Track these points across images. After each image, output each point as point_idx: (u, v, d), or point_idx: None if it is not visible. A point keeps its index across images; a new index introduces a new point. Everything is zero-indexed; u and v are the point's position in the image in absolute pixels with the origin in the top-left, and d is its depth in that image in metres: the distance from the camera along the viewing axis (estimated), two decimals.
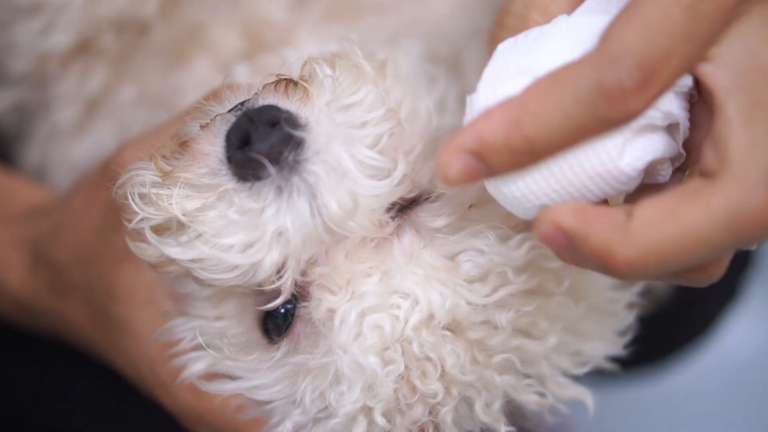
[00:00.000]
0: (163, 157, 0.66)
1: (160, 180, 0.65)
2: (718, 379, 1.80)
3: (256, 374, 0.70)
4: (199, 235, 0.64)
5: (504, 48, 0.61)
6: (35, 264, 0.85)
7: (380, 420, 0.65)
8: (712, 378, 1.77)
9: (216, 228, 0.64)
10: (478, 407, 0.67)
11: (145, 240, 0.66)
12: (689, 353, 1.16)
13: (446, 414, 0.66)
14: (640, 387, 1.39)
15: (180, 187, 0.64)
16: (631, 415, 1.77)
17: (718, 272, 0.60)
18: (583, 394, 0.72)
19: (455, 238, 0.67)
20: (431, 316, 0.65)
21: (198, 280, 0.66)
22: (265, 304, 0.67)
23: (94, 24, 0.87)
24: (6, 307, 0.89)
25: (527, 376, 0.69)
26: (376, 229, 0.66)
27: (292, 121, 0.64)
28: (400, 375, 0.65)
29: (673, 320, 1.03)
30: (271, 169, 0.62)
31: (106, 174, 0.76)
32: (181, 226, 0.65)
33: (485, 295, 0.66)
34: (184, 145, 0.66)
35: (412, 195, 0.69)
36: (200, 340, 0.70)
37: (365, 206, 0.64)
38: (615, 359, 0.74)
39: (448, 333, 0.66)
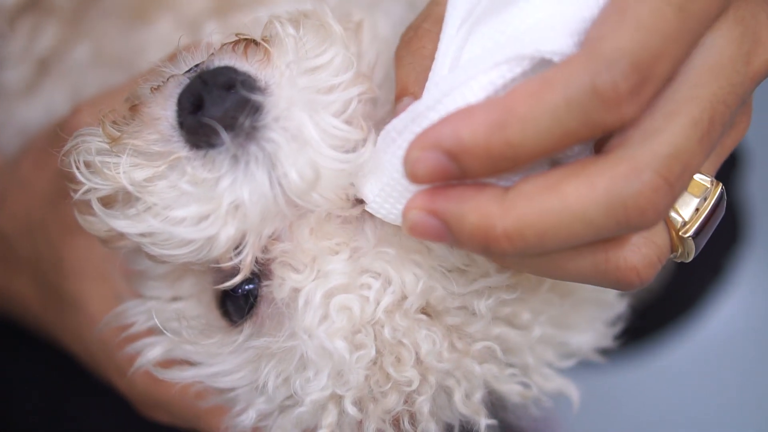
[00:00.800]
0: (113, 122, 0.61)
1: (107, 147, 0.60)
2: (708, 357, 1.78)
3: (217, 359, 0.65)
4: (149, 208, 0.59)
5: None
6: None
7: (351, 409, 0.61)
8: (702, 356, 1.76)
9: (167, 199, 0.59)
10: (458, 397, 0.63)
11: (92, 212, 0.61)
12: (677, 332, 1.14)
13: (423, 403, 0.62)
14: (628, 369, 1.36)
15: (128, 154, 0.59)
16: (621, 397, 1.76)
17: (635, 276, 0.56)
18: (568, 387, 0.68)
19: None
20: (404, 298, 0.61)
21: (150, 257, 0.61)
22: (223, 283, 0.62)
23: None
24: None
25: (510, 365, 0.65)
26: (343, 205, 0.61)
27: (249, 83, 0.58)
28: (371, 361, 0.60)
29: (659, 298, 0.99)
30: (225, 136, 0.57)
31: (57, 138, 0.70)
32: (130, 198, 0.59)
33: (462, 285, 0.62)
34: (134, 109, 0.61)
35: None
36: (156, 322, 0.65)
37: (329, 179, 0.59)
38: (603, 350, 0.70)
39: (424, 317, 0.62)
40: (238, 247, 0.60)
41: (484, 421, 0.64)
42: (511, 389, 0.65)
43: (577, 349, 0.68)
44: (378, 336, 0.61)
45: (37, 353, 0.87)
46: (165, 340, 0.66)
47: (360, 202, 0.61)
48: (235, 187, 0.58)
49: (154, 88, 0.61)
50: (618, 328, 0.70)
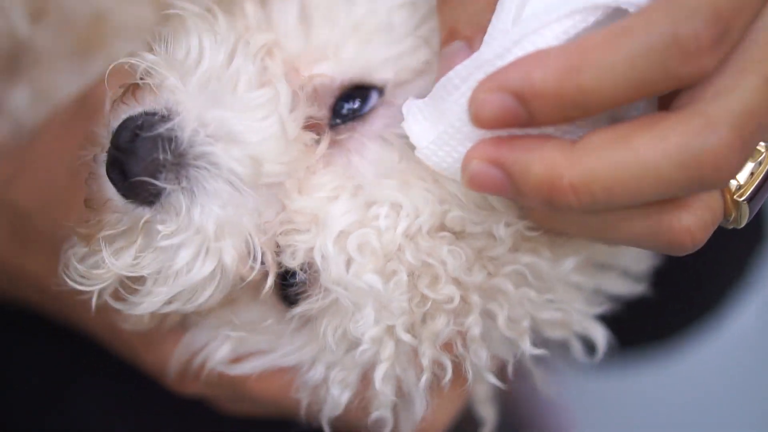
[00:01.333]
0: (83, 224, 0.63)
1: (87, 251, 0.62)
2: (730, 361, 1.76)
3: (282, 341, 0.66)
4: (154, 280, 0.61)
5: None
6: None
7: (405, 336, 0.61)
8: (725, 358, 1.73)
9: (160, 263, 0.60)
10: (501, 321, 0.62)
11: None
12: (699, 333, 1.12)
13: (472, 325, 0.62)
14: (649, 371, 1.35)
15: (105, 247, 0.61)
16: (641, 400, 1.74)
17: (689, 238, 0.55)
18: (597, 332, 0.67)
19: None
20: (418, 219, 0.60)
21: (194, 314, 0.64)
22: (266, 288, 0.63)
23: None
24: None
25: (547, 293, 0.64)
26: (305, 156, 0.61)
27: (149, 123, 0.59)
28: (406, 286, 0.60)
29: (681, 298, 0.98)
30: (160, 182, 0.58)
31: (84, 106, 0.72)
32: (135, 280, 0.62)
33: (478, 214, 0.61)
34: (89, 204, 0.63)
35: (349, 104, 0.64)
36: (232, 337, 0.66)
37: (272, 147, 0.60)
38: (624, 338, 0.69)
39: (446, 234, 0.61)
40: (250, 254, 0.61)
41: (528, 345, 0.63)
42: (552, 317, 0.64)
43: (607, 293, 0.68)
44: (404, 261, 0.60)
45: (37, 340, 0.87)
46: (230, 340, 0.67)
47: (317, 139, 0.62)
48: (205, 210, 0.59)
49: (88, 179, 0.62)
50: (647, 279, 0.70)
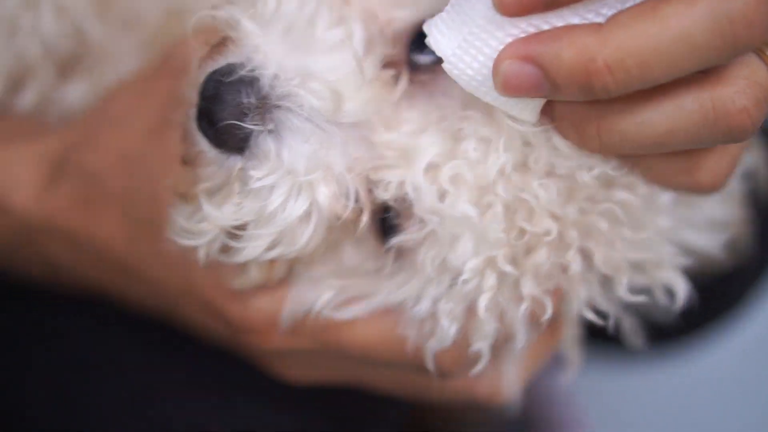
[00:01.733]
0: (176, 183, 0.66)
1: (189, 208, 0.64)
2: (751, 360, 1.74)
3: (383, 281, 0.67)
4: (255, 223, 0.62)
5: None
6: (54, 179, 0.79)
7: (507, 268, 0.62)
8: (744, 359, 1.72)
9: (258, 207, 0.62)
10: (598, 258, 0.63)
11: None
12: (719, 332, 1.12)
13: (572, 261, 0.63)
14: (665, 371, 1.34)
15: (205, 201, 0.63)
16: (656, 400, 1.73)
17: (747, 117, 0.55)
18: (679, 282, 0.68)
19: None
20: (506, 153, 0.61)
21: (297, 263, 0.66)
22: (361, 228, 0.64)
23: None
24: (4, 236, 0.82)
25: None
26: (387, 93, 0.63)
27: (230, 70, 0.61)
28: (503, 217, 0.61)
29: (706, 292, 0.97)
30: (245, 123, 0.61)
31: (166, 66, 0.74)
32: (239, 228, 0.63)
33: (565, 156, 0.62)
34: (185, 162, 0.65)
35: None
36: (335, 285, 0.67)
37: (349, 85, 0.61)
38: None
39: (537, 170, 0.62)
40: (345, 195, 0.63)
41: (625, 280, 0.64)
42: (642, 258, 0.65)
43: (693, 245, 0.69)
44: (498, 194, 0.61)
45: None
46: (334, 287, 0.67)
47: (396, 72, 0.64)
48: (294, 149, 0.61)
49: (181, 138, 0.65)
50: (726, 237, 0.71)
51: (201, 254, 0.65)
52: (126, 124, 0.76)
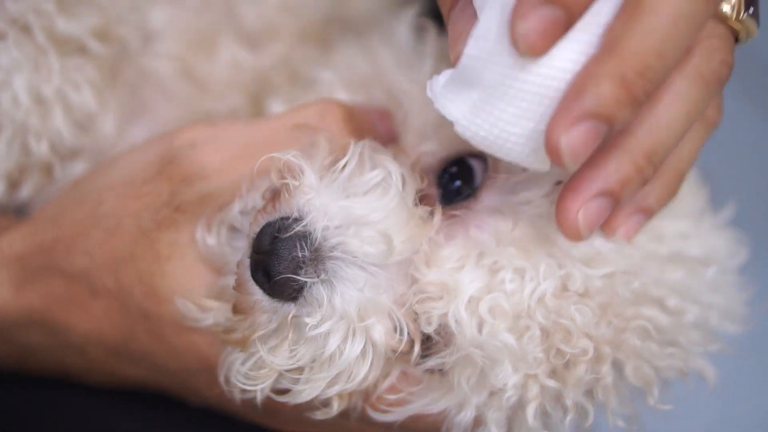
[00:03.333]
0: (226, 331, 0.69)
1: (244, 354, 0.68)
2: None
3: (422, 394, 0.70)
4: (311, 368, 0.66)
5: None
6: (28, 279, 0.80)
7: (549, 382, 0.66)
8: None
9: (313, 353, 0.66)
10: (629, 370, 0.68)
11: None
12: None
13: (607, 374, 0.67)
14: None
15: (261, 346, 0.66)
16: None
17: (726, 69, 0.63)
18: (707, 369, 0.73)
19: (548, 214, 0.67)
20: (542, 283, 0.65)
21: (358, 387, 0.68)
22: (413, 357, 0.68)
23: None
24: None
25: (669, 345, 0.70)
26: (424, 230, 0.67)
27: (286, 225, 0.65)
28: (540, 339, 0.65)
29: None
30: (302, 277, 0.64)
31: (168, 170, 0.76)
32: (298, 372, 0.67)
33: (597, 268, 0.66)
34: (235, 311, 0.68)
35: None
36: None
37: (396, 226, 0.65)
38: None
39: (572, 294, 0.66)
40: (397, 330, 0.67)
41: (656, 390, 0.69)
42: (671, 365, 0.69)
43: (722, 333, 0.73)
44: (535, 320, 0.65)
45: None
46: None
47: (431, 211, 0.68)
48: (345, 296, 0.65)
49: (235, 287, 0.68)
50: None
51: (258, 396, 0.68)
52: (117, 224, 0.77)
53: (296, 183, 0.66)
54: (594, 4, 0.58)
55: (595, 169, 0.61)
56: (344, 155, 0.67)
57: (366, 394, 0.70)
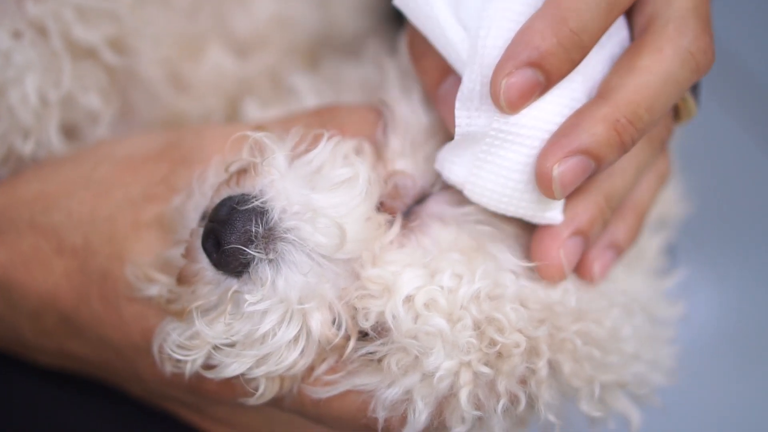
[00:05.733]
0: (168, 301, 0.69)
1: (181, 325, 0.68)
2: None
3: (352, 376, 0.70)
4: (244, 344, 0.66)
5: None
6: None
7: (483, 369, 0.66)
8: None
9: (249, 330, 0.66)
10: (567, 370, 0.68)
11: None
12: None
13: (541, 368, 0.68)
14: None
15: (198, 318, 0.67)
16: None
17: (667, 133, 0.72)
18: (635, 416, 0.74)
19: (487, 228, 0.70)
20: (478, 285, 0.67)
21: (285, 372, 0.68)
22: (348, 352, 0.69)
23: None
24: None
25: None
26: (379, 234, 0.68)
27: (245, 200, 0.66)
28: (473, 328, 0.66)
29: None
30: (251, 249, 0.65)
31: (169, 152, 0.77)
32: (229, 346, 0.67)
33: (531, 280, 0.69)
34: (181, 279, 0.69)
35: (412, 190, 0.72)
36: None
37: (351, 223, 0.66)
38: None
39: (508, 298, 0.68)
40: (334, 323, 0.67)
41: (597, 389, 0.70)
42: (608, 380, 0.70)
43: (647, 379, 0.74)
44: (470, 312, 0.67)
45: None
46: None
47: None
48: (289, 280, 0.66)
49: (184, 254, 0.69)
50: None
51: (188, 368, 0.68)
52: (106, 189, 0.78)
53: (264, 163, 0.67)
54: (586, 60, 0.64)
55: (568, 210, 0.66)
56: (316, 148, 0.68)
57: (300, 378, 0.70)
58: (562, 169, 0.63)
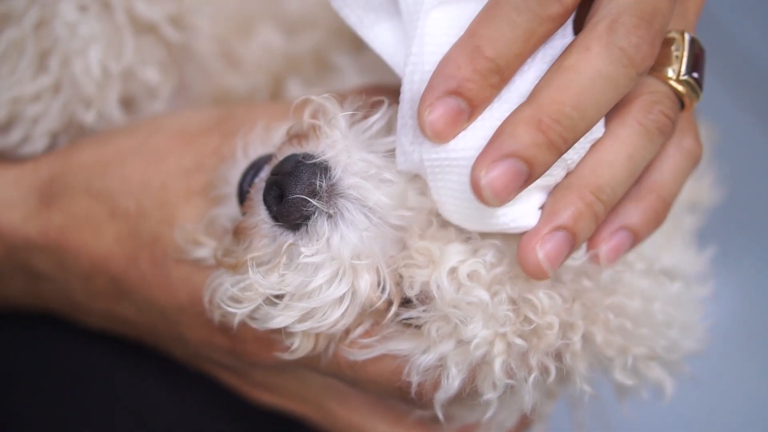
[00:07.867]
0: (224, 254, 0.71)
1: (234, 278, 0.69)
2: None
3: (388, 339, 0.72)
4: (293, 296, 0.68)
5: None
6: (50, 198, 0.83)
7: (518, 341, 0.68)
8: None
9: (301, 282, 0.68)
10: (600, 340, 0.70)
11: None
12: None
13: (575, 342, 0.70)
14: None
15: (253, 270, 0.68)
16: None
17: (668, 121, 0.69)
18: (668, 383, 0.76)
19: None
20: (515, 266, 0.68)
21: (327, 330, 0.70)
22: (388, 317, 0.70)
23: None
24: None
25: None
26: (430, 207, 0.70)
27: (310, 156, 0.68)
28: (511, 303, 0.68)
29: None
30: (313, 200, 0.67)
31: (222, 124, 0.80)
32: (278, 298, 0.69)
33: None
34: (237, 233, 0.70)
35: None
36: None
37: (408, 191, 0.68)
38: None
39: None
40: (379, 285, 0.69)
41: (630, 359, 0.72)
42: (643, 344, 0.72)
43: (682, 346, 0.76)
44: (506, 289, 0.69)
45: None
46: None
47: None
48: (344, 238, 0.68)
49: (244, 207, 0.70)
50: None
51: (237, 320, 0.69)
52: (160, 158, 0.80)
53: (327, 124, 0.69)
54: (523, 76, 0.66)
55: (547, 207, 0.67)
56: (375, 114, 0.70)
57: (337, 338, 0.72)
58: (490, 176, 0.63)
